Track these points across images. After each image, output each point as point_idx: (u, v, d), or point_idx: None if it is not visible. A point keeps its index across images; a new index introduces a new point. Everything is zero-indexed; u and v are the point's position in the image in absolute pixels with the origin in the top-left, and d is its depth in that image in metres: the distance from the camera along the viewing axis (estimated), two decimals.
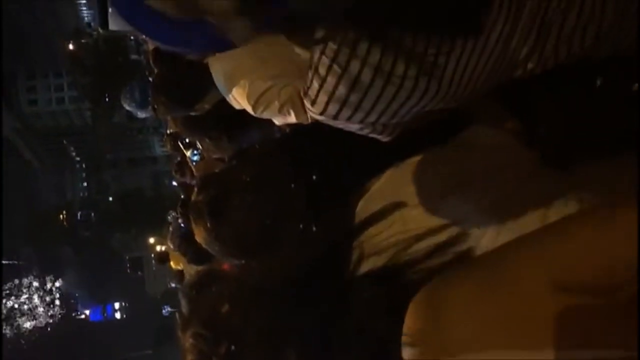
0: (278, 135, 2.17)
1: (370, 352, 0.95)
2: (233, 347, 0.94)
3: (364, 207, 1.20)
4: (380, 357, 0.92)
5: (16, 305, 33.47)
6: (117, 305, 37.90)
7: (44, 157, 39.97)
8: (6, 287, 33.29)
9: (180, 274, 6.09)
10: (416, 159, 1.21)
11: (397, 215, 1.12)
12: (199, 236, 1.38)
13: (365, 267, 1.05)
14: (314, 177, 1.35)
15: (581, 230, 0.65)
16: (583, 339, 0.59)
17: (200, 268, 3.95)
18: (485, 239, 1.12)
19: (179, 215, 5.27)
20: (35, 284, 34.85)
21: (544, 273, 0.62)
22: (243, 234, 1.34)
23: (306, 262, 1.13)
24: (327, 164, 1.36)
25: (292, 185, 1.34)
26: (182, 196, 5.73)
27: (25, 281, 34.40)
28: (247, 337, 0.96)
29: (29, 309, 33.92)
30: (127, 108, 3.83)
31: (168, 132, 5.99)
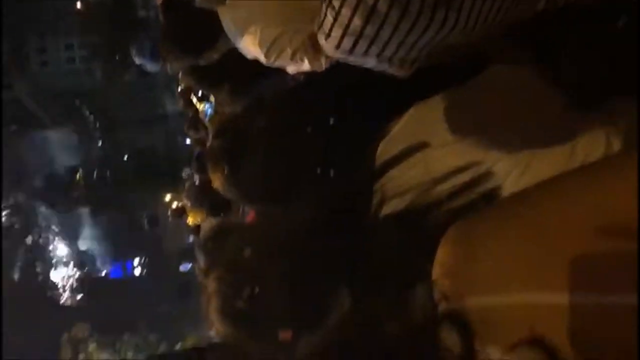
0: (292, 84, 2.14)
1: (393, 293, 0.94)
2: (256, 290, 0.94)
3: (385, 150, 1.18)
4: (404, 297, 0.92)
5: (38, 266, 34.27)
6: (136, 262, 38.67)
7: (58, 119, 40.18)
8: (26, 247, 34.04)
9: (197, 229, 6.16)
10: (438, 99, 1.18)
11: (420, 156, 1.10)
12: (216, 182, 1.37)
13: (387, 210, 1.04)
14: (332, 122, 1.33)
15: (620, 173, 0.64)
16: (613, 283, 0.58)
17: (216, 221, 3.99)
18: (510, 178, 1.10)
19: (194, 170, 5.29)
20: (56, 243, 35.59)
21: (581, 213, 0.61)
22: (260, 179, 1.33)
23: (326, 206, 1.12)
24: (345, 108, 1.34)
25: (309, 130, 1.32)
26: (197, 151, 5.75)
27: (46, 241, 35.11)
28: (269, 280, 0.96)
29: (51, 269, 34.74)
30: (138, 62, 3.80)
31: (180, 88, 5.96)
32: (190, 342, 16.93)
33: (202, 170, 4.77)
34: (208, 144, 1.41)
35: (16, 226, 33.20)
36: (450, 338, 0.64)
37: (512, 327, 0.61)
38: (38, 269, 34.19)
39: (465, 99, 1.19)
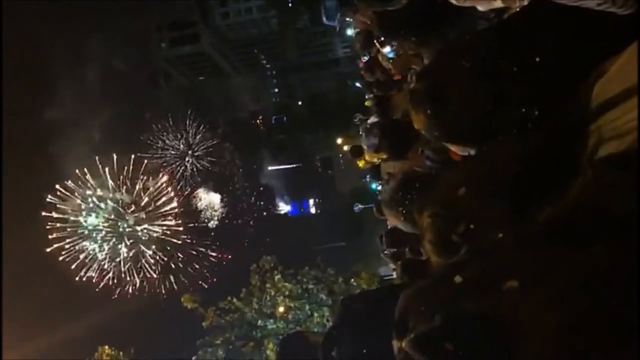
0: (484, 23, 2.09)
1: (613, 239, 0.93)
2: (472, 226, 1.00)
3: (602, 90, 1.13)
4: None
5: (223, 205, 37.58)
6: (311, 202, 40.81)
7: (238, 67, 42.96)
8: (211, 189, 37.51)
9: (375, 167, 6.33)
10: None
11: None
12: (419, 123, 1.41)
13: (604, 152, 1.02)
14: (537, 60, 1.30)
15: None
16: None
17: (401, 166, 4.06)
18: None
19: (374, 112, 5.38)
20: (241, 183, 38.71)
21: None
22: (462, 120, 1.35)
23: (533, 146, 1.13)
24: (552, 46, 1.30)
25: (515, 69, 1.31)
26: (375, 93, 5.84)
27: (231, 182, 38.34)
28: (484, 218, 1.01)
29: (235, 208, 37.96)
30: (327, 23, 3.89)
31: (357, 30, 6.03)
32: (363, 278, 17.70)
33: (382, 112, 4.86)
34: (411, 87, 1.46)
35: (207, 163, 36.72)
36: None
37: None
38: (225, 201, 37.52)
39: None
